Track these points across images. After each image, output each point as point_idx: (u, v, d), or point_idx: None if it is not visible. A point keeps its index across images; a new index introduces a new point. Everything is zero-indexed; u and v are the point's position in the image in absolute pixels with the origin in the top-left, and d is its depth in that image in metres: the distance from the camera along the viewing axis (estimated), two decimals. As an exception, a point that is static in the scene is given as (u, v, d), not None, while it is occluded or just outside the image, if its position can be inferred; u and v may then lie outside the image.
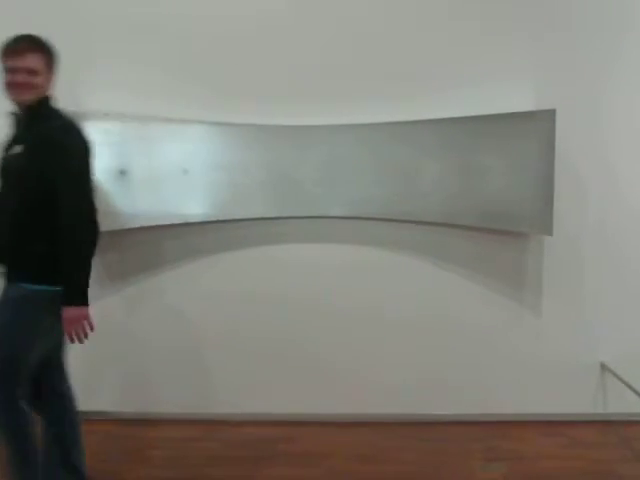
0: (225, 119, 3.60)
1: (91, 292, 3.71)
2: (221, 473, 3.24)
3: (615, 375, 3.73)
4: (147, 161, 3.57)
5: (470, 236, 3.68)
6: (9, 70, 2.60)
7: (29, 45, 2.63)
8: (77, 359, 3.77)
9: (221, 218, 3.66)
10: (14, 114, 2.70)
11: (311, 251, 3.74)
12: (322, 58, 3.65)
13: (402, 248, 3.74)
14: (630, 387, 3.61)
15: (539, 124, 3.47)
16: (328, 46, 3.65)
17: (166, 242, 3.73)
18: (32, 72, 2.62)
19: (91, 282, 3.70)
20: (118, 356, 3.81)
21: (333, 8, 3.64)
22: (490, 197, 3.55)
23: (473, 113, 3.54)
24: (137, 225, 3.59)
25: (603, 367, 3.80)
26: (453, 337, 3.77)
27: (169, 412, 3.81)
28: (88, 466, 3.24)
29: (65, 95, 3.55)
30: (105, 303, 3.76)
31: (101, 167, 3.47)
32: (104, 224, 3.49)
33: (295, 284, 3.76)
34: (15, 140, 2.66)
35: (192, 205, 3.64)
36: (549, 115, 3.44)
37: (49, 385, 2.86)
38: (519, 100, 3.58)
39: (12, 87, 2.61)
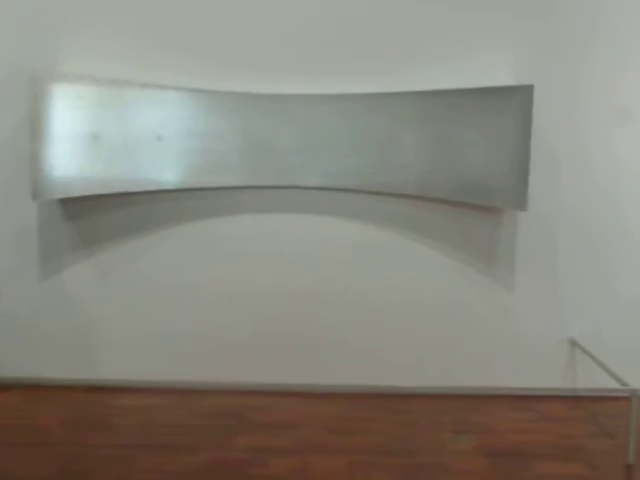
0: (202, 86, 3.56)
1: (62, 258, 3.70)
2: (187, 441, 3.21)
3: (584, 351, 3.76)
4: (121, 126, 3.51)
5: (445, 210, 3.68)
6: None
7: None
8: (47, 325, 3.76)
9: (196, 186, 3.62)
10: None
11: (286, 221, 3.72)
12: (302, 27, 3.62)
13: (378, 220, 3.73)
14: (599, 363, 3.64)
15: (517, 99, 3.46)
16: (309, 16, 3.62)
17: (140, 209, 3.69)
18: None
19: (64, 248, 3.70)
20: (88, 323, 3.78)
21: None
22: (466, 171, 3.55)
23: (452, 86, 3.53)
24: (110, 191, 3.54)
25: (572, 343, 3.83)
26: (424, 310, 3.78)
27: (136, 380, 3.78)
28: (54, 433, 3.23)
29: (40, 58, 3.53)
30: (78, 269, 3.73)
31: (74, 131, 3.44)
32: (77, 189, 3.48)
33: (269, 253, 3.74)
34: None
35: (166, 172, 3.60)
36: (527, 90, 3.43)
37: None
38: (498, 75, 3.57)
39: None
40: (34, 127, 3.34)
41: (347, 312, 3.80)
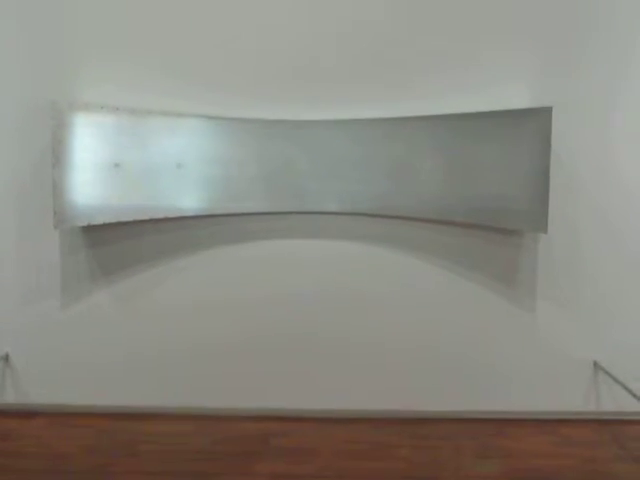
0: (220, 113, 3.60)
1: (83, 286, 3.73)
2: (209, 467, 3.23)
3: (608, 374, 3.72)
4: (141, 154, 3.55)
5: (464, 233, 3.68)
6: None
7: None
8: (70, 352, 3.79)
9: (215, 212, 3.65)
10: None
11: (304, 246, 3.73)
12: (318, 56, 3.64)
13: (395, 244, 3.73)
14: (623, 385, 3.61)
15: (535, 121, 3.46)
16: (323, 44, 3.64)
17: (159, 236, 3.72)
18: None
19: (85, 275, 3.73)
20: (110, 350, 3.80)
21: (328, 7, 3.63)
22: (484, 194, 3.54)
23: (469, 110, 3.54)
24: (131, 218, 3.57)
25: (596, 365, 3.80)
26: (446, 335, 3.77)
27: (160, 407, 3.80)
28: (78, 460, 3.24)
29: (62, 89, 3.58)
30: (98, 297, 3.76)
31: (95, 160, 3.47)
32: (98, 217, 3.51)
33: (287, 279, 3.75)
34: None
35: (186, 199, 3.63)
36: (545, 112, 3.43)
37: None
38: (516, 97, 3.57)
39: None
40: (56, 156, 3.38)
41: (367, 335, 3.79)
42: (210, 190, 3.63)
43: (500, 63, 3.62)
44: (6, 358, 3.80)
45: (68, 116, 3.41)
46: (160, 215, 3.60)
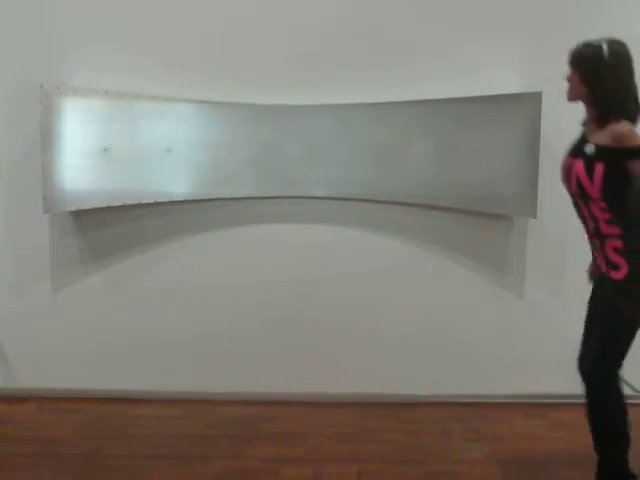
0: (209, 98, 3.59)
1: (74, 271, 3.73)
2: (199, 451, 3.24)
3: (597, 358, 3.74)
4: (131, 139, 3.55)
5: (453, 218, 3.68)
6: None
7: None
8: (60, 337, 3.79)
9: (204, 197, 3.65)
10: None
11: (294, 231, 3.74)
12: (306, 40, 3.64)
13: (385, 229, 3.74)
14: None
15: (525, 106, 3.46)
16: (312, 29, 3.63)
17: (149, 220, 3.72)
18: None
19: (75, 260, 3.73)
20: (100, 335, 3.80)
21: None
22: (474, 179, 3.55)
23: (459, 95, 3.53)
24: (120, 203, 3.56)
25: (585, 350, 3.81)
26: (435, 320, 3.78)
27: (150, 391, 3.81)
28: (69, 444, 3.26)
29: (50, 74, 3.57)
30: (88, 281, 3.76)
31: (84, 145, 3.47)
32: (88, 202, 3.51)
33: (277, 264, 3.76)
34: None
35: (175, 184, 3.63)
36: (535, 97, 3.43)
37: None
38: (505, 82, 3.56)
39: None
40: (45, 141, 3.37)
41: (356, 320, 3.80)
42: (200, 174, 3.64)
43: (490, 48, 3.62)
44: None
45: (57, 100, 3.41)
46: (150, 200, 3.60)
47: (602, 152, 2.52)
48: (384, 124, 3.60)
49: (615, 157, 2.48)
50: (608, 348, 2.73)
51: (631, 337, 2.68)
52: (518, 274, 3.74)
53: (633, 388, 3.48)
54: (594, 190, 2.53)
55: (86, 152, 3.47)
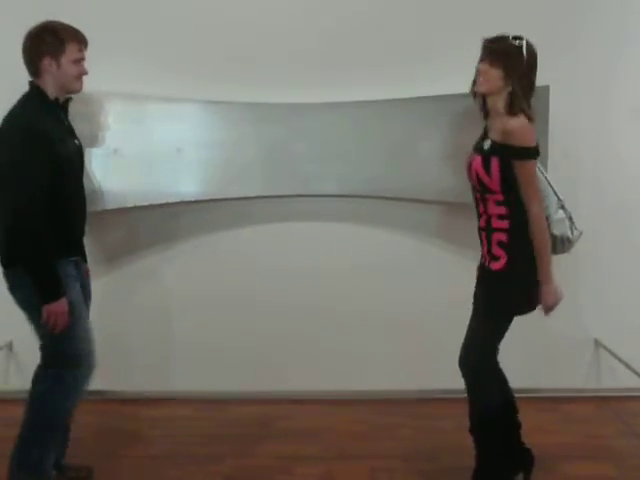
0: (217, 98, 3.58)
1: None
2: (215, 451, 3.26)
3: (609, 351, 3.75)
4: (140, 140, 3.55)
5: (464, 213, 3.67)
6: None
7: None
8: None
9: (215, 197, 3.64)
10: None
11: (304, 229, 3.74)
12: (313, 38, 3.63)
13: (396, 226, 3.74)
14: (623, 362, 3.63)
15: (532, 101, 3.44)
16: (319, 27, 3.63)
17: (160, 221, 3.73)
18: None
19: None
20: (114, 336, 3.80)
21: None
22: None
23: (467, 91, 3.52)
24: (131, 204, 3.57)
25: (597, 343, 3.81)
26: (448, 314, 3.77)
27: (163, 391, 3.83)
28: (83, 445, 3.27)
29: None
30: (100, 283, 3.75)
31: (92, 146, 3.47)
32: (98, 203, 3.52)
33: (288, 262, 3.76)
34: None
35: (186, 184, 3.63)
36: (543, 92, 3.41)
37: None
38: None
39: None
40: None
41: (366, 317, 3.81)
42: (209, 174, 3.63)
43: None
44: (10, 346, 3.82)
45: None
46: (161, 200, 3.60)
47: (495, 148, 2.63)
48: (394, 121, 3.58)
49: (504, 153, 2.59)
50: (483, 338, 2.86)
51: (505, 327, 2.84)
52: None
53: None
54: (493, 184, 2.64)
55: (96, 153, 3.48)
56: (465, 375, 2.89)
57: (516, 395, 3.70)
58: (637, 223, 3.78)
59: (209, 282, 3.79)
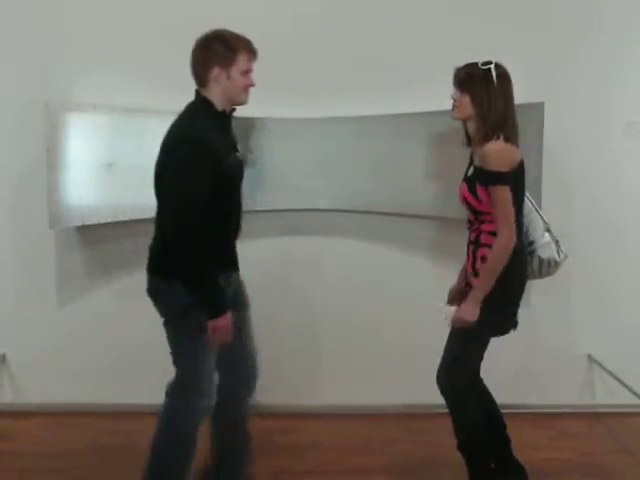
0: (214, 112, 3.59)
1: (80, 285, 3.73)
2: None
3: (602, 367, 3.76)
4: (135, 153, 3.53)
5: (458, 230, 3.68)
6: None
7: None
8: (67, 352, 3.79)
9: (210, 210, 3.64)
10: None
11: (299, 244, 3.75)
12: (313, 51, 3.64)
13: (393, 242, 3.76)
14: (617, 379, 3.64)
15: (527, 117, 3.46)
16: (319, 40, 3.64)
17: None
18: None
19: (81, 275, 3.73)
20: (107, 349, 3.80)
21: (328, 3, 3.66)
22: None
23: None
24: (125, 218, 3.56)
25: (590, 359, 3.82)
26: (440, 331, 3.76)
27: (159, 405, 3.79)
28: (77, 459, 3.25)
29: (56, 90, 3.57)
30: (94, 296, 3.76)
31: (89, 160, 3.47)
32: (93, 217, 3.51)
33: (282, 277, 3.77)
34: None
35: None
36: (537, 108, 3.44)
37: None
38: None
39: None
40: (51, 157, 3.37)
41: (364, 331, 3.82)
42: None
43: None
44: (3, 358, 3.80)
45: (61, 116, 3.41)
46: (154, 214, 3.59)
47: (477, 173, 2.68)
48: (392, 135, 3.59)
49: (480, 178, 2.65)
50: (457, 356, 2.89)
51: (478, 346, 2.91)
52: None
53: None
54: (483, 206, 2.68)
55: (91, 167, 3.47)
56: (443, 392, 2.91)
57: (509, 411, 3.72)
58: (631, 238, 3.79)
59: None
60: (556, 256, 2.83)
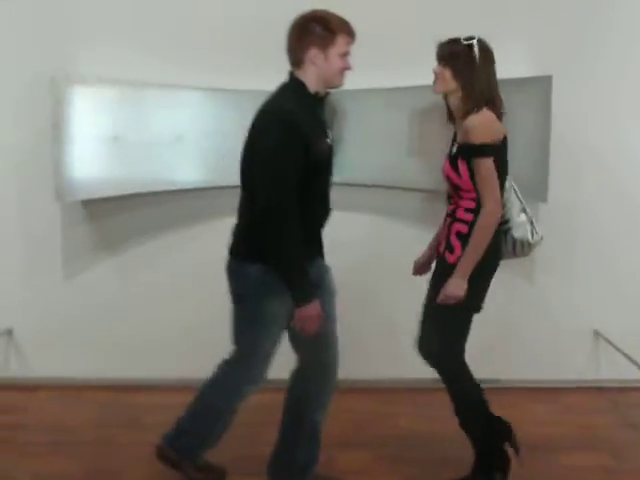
0: (218, 85, 3.57)
1: (85, 259, 3.73)
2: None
3: (608, 342, 3.75)
4: (141, 127, 3.54)
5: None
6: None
7: None
8: (73, 326, 3.81)
9: (215, 184, 3.62)
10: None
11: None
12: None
13: (396, 216, 3.75)
14: (623, 353, 3.64)
15: (535, 90, 3.45)
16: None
17: (160, 208, 3.72)
18: None
19: (87, 248, 3.73)
20: (112, 323, 3.81)
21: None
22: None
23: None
24: (131, 191, 3.56)
25: (596, 334, 3.82)
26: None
27: (163, 378, 3.83)
28: (82, 432, 3.27)
29: (61, 63, 3.55)
30: (100, 270, 3.77)
31: (94, 133, 3.46)
32: (99, 191, 3.51)
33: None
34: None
35: (186, 172, 3.63)
36: (545, 81, 3.42)
37: None
38: (515, 66, 3.54)
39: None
40: (56, 130, 3.37)
41: (367, 306, 3.82)
42: (210, 162, 3.62)
43: (499, 32, 3.57)
44: (10, 333, 3.82)
45: (66, 90, 3.41)
46: (160, 188, 3.59)
47: (460, 149, 2.66)
48: (395, 109, 3.57)
49: (464, 152, 2.63)
50: (440, 329, 2.87)
51: (455, 321, 2.86)
52: (528, 259, 3.72)
53: None
54: (464, 183, 2.66)
55: (96, 141, 3.47)
56: (439, 370, 2.95)
57: (515, 385, 3.76)
58: (638, 214, 3.77)
59: (208, 270, 3.76)
60: (529, 237, 2.81)
